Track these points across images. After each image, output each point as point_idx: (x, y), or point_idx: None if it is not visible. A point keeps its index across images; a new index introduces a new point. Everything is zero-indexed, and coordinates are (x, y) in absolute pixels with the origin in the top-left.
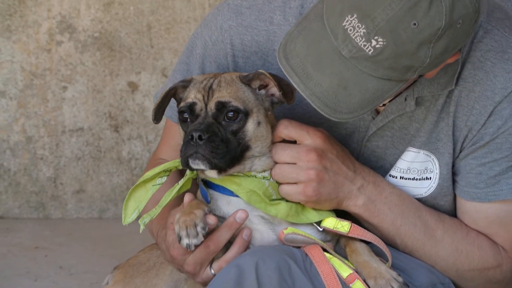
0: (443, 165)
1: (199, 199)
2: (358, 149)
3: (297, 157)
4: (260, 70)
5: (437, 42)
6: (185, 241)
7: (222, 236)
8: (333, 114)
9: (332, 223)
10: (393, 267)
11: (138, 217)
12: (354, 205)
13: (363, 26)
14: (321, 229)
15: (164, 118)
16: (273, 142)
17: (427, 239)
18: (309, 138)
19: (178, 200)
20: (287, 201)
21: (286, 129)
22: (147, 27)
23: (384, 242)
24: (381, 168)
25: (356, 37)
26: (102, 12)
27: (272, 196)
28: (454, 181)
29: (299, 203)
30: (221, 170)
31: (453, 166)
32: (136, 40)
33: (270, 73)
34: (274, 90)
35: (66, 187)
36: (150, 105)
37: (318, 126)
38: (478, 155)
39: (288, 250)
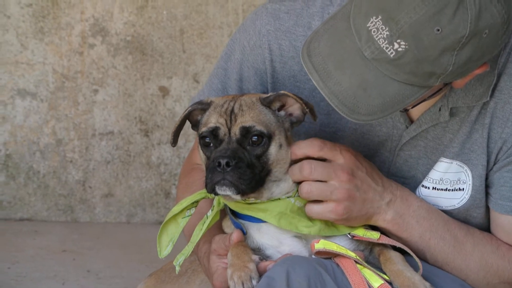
0: (476, 177)
1: (243, 243)
2: (390, 158)
3: (331, 176)
4: (282, 91)
5: (461, 50)
6: None
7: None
8: (351, 115)
9: (362, 231)
10: (426, 280)
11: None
12: (383, 220)
13: (387, 29)
14: (350, 237)
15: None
16: (294, 161)
17: (457, 253)
18: (341, 157)
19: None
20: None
21: (322, 151)
22: (179, 32)
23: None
24: (413, 178)
25: (379, 39)
26: (135, 15)
27: (302, 208)
28: (487, 194)
29: None
30: (244, 194)
31: (486, 178)
32: (168, 44)
33: (293, 93)
34: (293, 109)
35: (95, 190)
36: (180, 110)
37: (353, 131)
38: None
39: (318, 260)
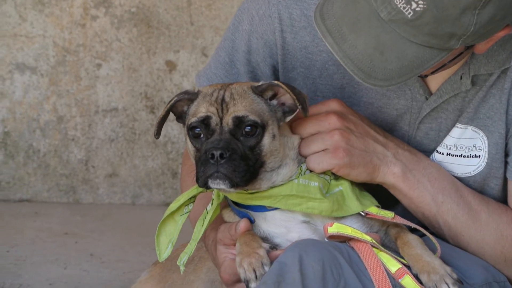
0: (492, 144)
1: (251, 231)
2: (410, 132)
3: (318, 124)
4: (275, 81)
5: (483, 9)
6: (253, 285)
7: None
8: (368, 80)
9: (375, 210)
10: (447, 263)
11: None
12: (392, 173)
13: None
14: (364, 214)
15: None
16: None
17: (472, 222)
18: (325, 105)
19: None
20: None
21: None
22: (187, 3)
23: (429, 231)
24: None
25: None
26: None
27: (309, 185)
28: (506, 163)
29: (339, 195)
30: (238, 187)
31: (506, 146)
32: (175, 16)
33: (286, 84)
34: (285, 98)
35: (98, 170)
36: (188, 86)
37: (368, 105)
38: None
39: (332, 243)
